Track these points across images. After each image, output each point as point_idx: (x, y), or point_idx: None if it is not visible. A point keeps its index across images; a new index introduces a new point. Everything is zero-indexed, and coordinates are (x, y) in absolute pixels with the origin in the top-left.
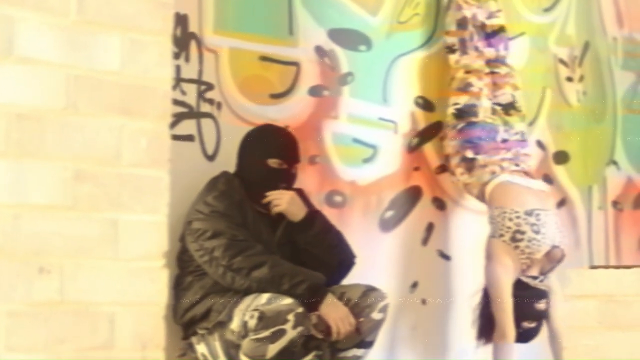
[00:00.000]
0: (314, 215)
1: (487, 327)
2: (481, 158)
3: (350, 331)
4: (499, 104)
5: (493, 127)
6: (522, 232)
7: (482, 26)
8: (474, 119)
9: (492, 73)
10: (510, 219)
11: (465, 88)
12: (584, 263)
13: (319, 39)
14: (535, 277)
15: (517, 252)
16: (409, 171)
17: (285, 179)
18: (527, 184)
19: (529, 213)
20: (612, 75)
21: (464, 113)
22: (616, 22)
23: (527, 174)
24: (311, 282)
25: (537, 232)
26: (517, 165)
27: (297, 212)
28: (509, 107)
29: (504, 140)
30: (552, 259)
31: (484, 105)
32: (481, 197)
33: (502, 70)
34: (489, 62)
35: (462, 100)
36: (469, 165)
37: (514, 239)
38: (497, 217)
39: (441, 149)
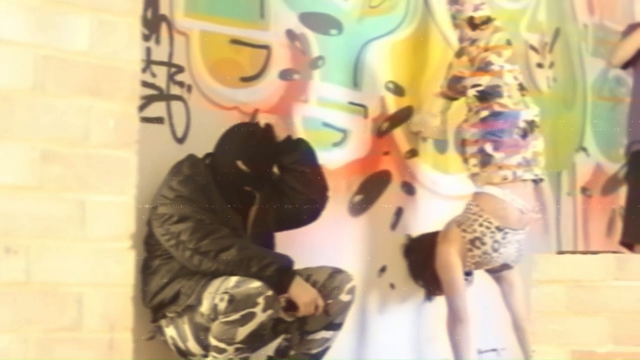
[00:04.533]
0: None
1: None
2: (499, 157)
3: (319, 313)
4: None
5: (516, 114)
6: (483, 243)
7: (471, 19)
8: (498, 102)
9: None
10: (481, 225)
11: (485, 67)
12: (552, 248)
13: (290, 23)
14: (468, 274)
15: (468, 254)
16: (379, 156)
17: (252, 183)
18: (521, 207)
19: (500, 229)
20: (582, 62)
21: (487, 95)
22: (587, 9)
23: (536, 182)
24: (279, 265)
25: (495, 250)
26: (530, 170)
27: None
28: (522, 86)
29: (524, 135)
30: (495, 269)
31: (509, 83)
32: (477, 188)
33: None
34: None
35: (484, 81)
36: (485, 159)
37: (472, 243)
38: (472, 215)
39: (458, 133)
